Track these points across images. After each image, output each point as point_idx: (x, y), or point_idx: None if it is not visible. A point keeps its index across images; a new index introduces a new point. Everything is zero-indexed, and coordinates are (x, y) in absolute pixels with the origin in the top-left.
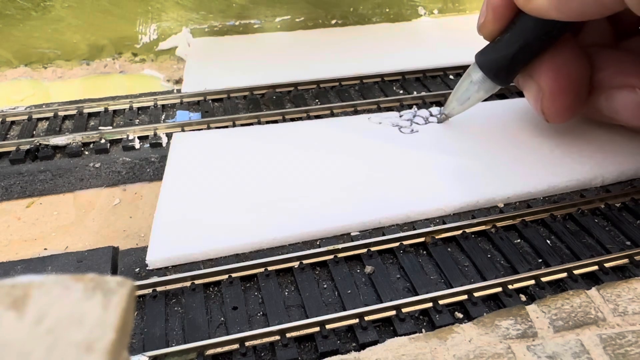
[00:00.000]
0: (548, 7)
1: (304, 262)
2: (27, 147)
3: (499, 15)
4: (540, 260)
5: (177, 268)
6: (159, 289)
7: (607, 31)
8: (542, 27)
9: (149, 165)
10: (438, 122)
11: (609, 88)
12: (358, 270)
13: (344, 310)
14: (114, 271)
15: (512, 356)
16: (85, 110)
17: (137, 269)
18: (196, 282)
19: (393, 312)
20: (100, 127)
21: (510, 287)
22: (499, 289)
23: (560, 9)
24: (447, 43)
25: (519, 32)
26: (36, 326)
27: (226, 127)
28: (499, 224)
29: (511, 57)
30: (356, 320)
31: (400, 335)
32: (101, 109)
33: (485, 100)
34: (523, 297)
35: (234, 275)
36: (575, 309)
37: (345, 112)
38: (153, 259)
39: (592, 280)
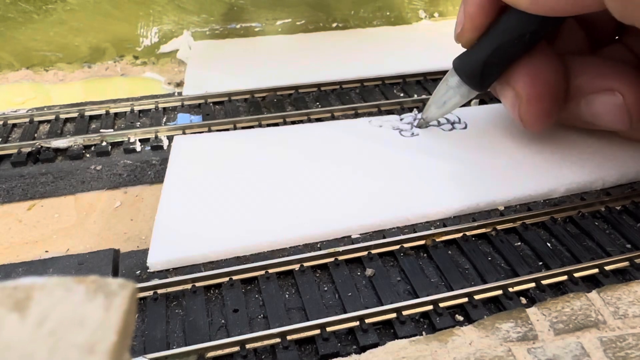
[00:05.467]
0: None
1: (305, 264)
2: (29, 149)
3: (476, 24)
4: (540, 263)
5: (177, 270)
6: (159, 291)
7: (582, 40)
8: (514, 30)
9: (150, 168)
10: (418, 127)
11: (589, 93)
12: (359, 273)
13: (345, 312)
14: (115, 274)
15: (513, 359)
16: (87, 113)
17: (138, 272)
18: (197, 284)
19: (393, 315)
20: (101, 130)
21: (510, 289)
22: (500, 292)
23: (533, 1)
24: (447, 46)
25: (493, 36)
26: (38, 328)
27: (227, 129)
28: (499, 227)
29: (484, 60)
30: (357, 323)
31: (401, 338)
32: (102, 111)
33: (485, 103)
34: (523, 300)
35: (234, 277)
36: (575, 312)
37: (346, 115)
38: (154, 262)
39: (593, 283)
